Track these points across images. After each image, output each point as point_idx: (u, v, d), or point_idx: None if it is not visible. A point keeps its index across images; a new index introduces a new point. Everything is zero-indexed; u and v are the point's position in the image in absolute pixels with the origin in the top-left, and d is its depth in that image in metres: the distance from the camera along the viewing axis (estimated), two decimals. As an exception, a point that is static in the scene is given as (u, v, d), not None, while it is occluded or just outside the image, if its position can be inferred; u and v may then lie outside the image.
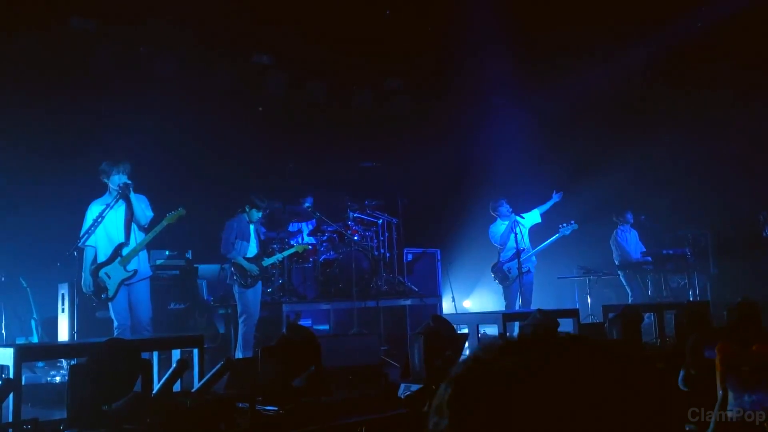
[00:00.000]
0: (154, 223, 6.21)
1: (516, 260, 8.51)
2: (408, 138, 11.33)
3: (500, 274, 8.82)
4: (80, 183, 6.89)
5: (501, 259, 8.82)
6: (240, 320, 7.18)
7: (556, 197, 8.95)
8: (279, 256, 7.79)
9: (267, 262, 7.51)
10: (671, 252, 9.61)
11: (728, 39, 9.62)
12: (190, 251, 8.30)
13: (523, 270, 8.49)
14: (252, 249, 7.43)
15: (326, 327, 8.67)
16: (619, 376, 0.79)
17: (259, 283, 7.39)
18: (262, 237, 7.91)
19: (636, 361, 0.81)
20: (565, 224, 8.86)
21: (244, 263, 7.23)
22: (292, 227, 8.95)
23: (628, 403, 0.77)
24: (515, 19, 9.58)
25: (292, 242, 8.50)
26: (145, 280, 6.17)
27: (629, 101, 11.10)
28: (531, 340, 0.81)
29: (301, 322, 7.87)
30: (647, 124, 10.82)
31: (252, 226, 7.50)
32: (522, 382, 0.76)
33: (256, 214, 7.44)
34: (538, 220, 8.95)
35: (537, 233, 9.07)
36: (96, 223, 6.00)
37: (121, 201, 6.10)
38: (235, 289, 7.27)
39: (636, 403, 0.77)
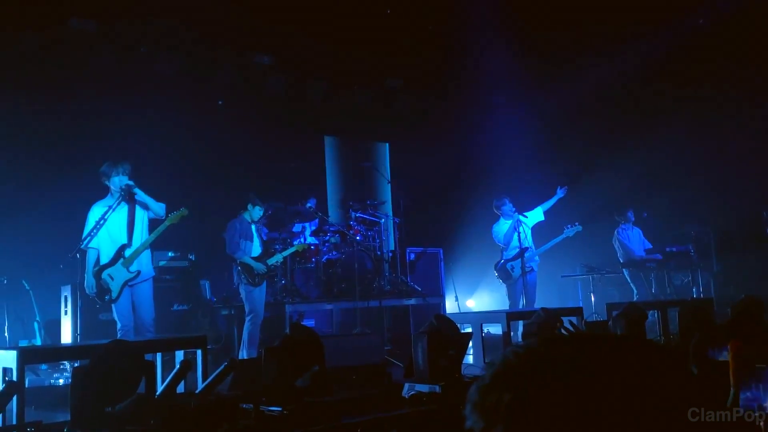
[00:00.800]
0: (156, 224, 6.21)
1: (519, 259, 8.52)
2: (410, 137, 11.33)
3: (503, 272, 8.82)
4: (82, 185, 6.88)
5: (504, 258, 8.83)
6: (247, 319, 7.19)
7: (560, 192, 8.95)
8: (280, 256, 7.79)
9: (270, 261, 7.53)
10: (674, 249, 9.58)
11: (730, 36, 9.59)
12: (193, 252, 8.30)
13: (527, 269, 8.48)
14: (256, 248, 7.46)
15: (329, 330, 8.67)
16: (679, 374, 0.75)
17: (265, 282, 7.42)
18: (264, 237, 7.92)
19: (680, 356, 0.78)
20: (569, 225, 8.86)
21: (252, 262, 7.27)
22: (296, 227, 8.94)
23: (686, 400, 0.73)
24: (516, 18, 9.56)
25: (294, 242, 8.49)
26: (148, 281, 6.17)
27: (631, 99, 11.08)
28: (591, 338, 0.76)
29: (305, 323, 7.88)
30: (650, 122, 10.80)
31: (254, 226, 7.51)
32: (581, 381, 0.71)
33: (258, 212, 7.47)
34: (542, 218, 8.94)
35: (541, 233, 9.06)
36: (98, 225, 6.00)
37: (123, 203, 6.10)
38: (242, 288, 7.29)
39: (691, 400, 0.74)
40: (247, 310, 7.26)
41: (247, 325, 7.19)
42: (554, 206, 9.05)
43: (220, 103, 10.02)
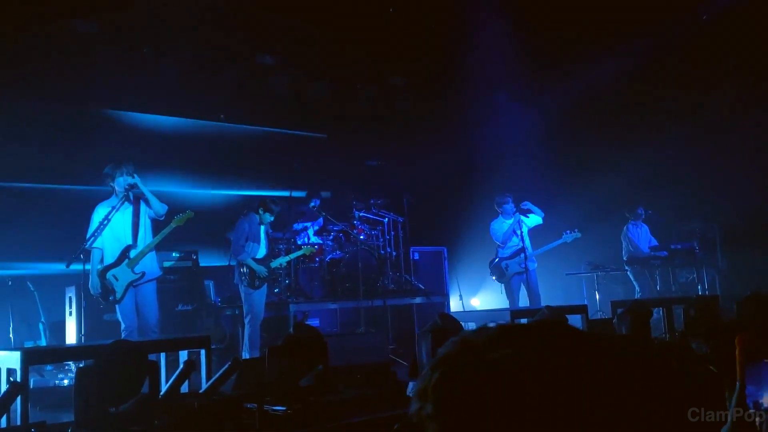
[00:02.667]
0: (162, 225, 6.21)
1: (514, 258, 8.59)
2: (413, 136, 11.31)
3: (497, 270, 8.84)
4: (86, 185, 6.90)
5: (500, 256, 8.83)
6: (246, 321, 7.19)
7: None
8: (285, 259, 7.76)
9: (275, 263, 7.50)
10: (679, 246, 9.56)
11: (734, 33, 9.55)
12: (197, 253, 8.30)
13: (521, 269, 8.49)
14: (262, 250, 7.42)
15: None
16: (610, 368, 0.75)
17: (265, 284, 7.40)
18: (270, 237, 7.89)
19: (632, 353, 0.78)
20: (569, 231, 8.85)
21: (254, 265, 7.22)
22: (297, 226, 8.94)
23: (617, 395, 0.74)
24: (519, 17, 9.54)
25: (297, 242, 8.47)
26: (153, 282, 6.16)
27: (635, 96, 11.03)
28: (523, 328, 0.78)
29: (309, 322, 7.87)
30: (654, 119, 10.76)
31: (263, 227, 7.47)
32: (512, 373, 0.73)
33: (269, 218, 7.43)
34: (540, 222, 8.93)
35: (540, 235, 9.04)
36: (102, 225, 6.00)
37: (127, 203, 6.10)
38: (242, 289, 7.27)
39: (626, 394, 0.74)
40: (245, 311, 7.23)
41: (246, 327, 7.16)
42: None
43: (221, 117, 10.04)
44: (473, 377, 0.74)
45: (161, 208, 6.15)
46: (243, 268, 7.23)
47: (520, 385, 0.72)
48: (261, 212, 7.37)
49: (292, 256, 7.89)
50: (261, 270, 7.23)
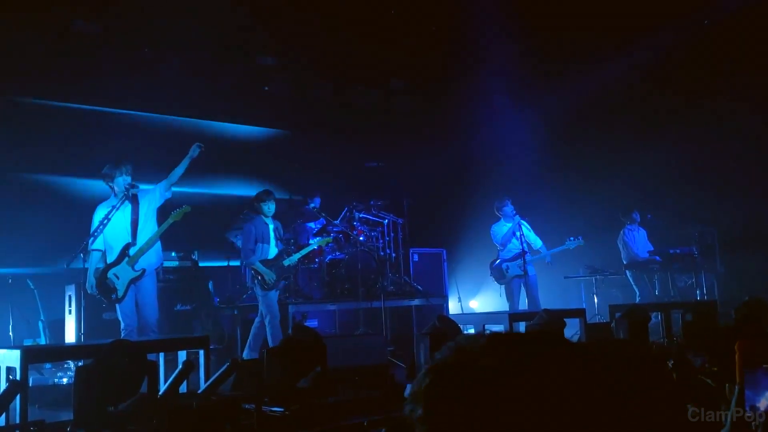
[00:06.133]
0: (160, 221, 6.24)
1: (514, 261, 8.64)
2: (413, 138, 11.33)
3: (497, 272, 8.88)
4: (86, 184, 6.92)
5: (501, 258, 8.87)
6: (266, 321, 7.02)
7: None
8: (298, 255, 7.58)
9: (287, 261, 7.33)
10: (678, 251, 9.57)
11: (734, 38, 9.57)
12: (196, 252, 8.31)
13: (520, 272, 8.51)
14: (272, 250, 7.28)
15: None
16: (600, 378, 0.77)
17: (282, 283, 7.29)
18: (281, 236, 7.66)
19: (622, 361, 0.81)
20: (572, 238, 8.87)
21: (262, 269, 7.07)
22: (309, 225, 8.89)
23: (607, 404, 0.75)
24: (520, 19, 9.56)
25: (301, 242, 8.45)
26: (152, 277, 6.17)
27: (635, 101, 11.06)
28: (516, 338, 0.80)
29: (308, 323, 7.86)
30: (654, 123, 10.77)
31: (271, 226, 7.33)
32: (502, 382, 0.75)
33: (272, 207, 7.24)
34: (539, 243, 8.95)
35: (542, 236, 9.06)
36: (102, 225, 6.03)
37: (126, 202, 6.13)
38: (257, 291, 7.16)
39: (616, 403, 0.76)
40: (264, 312, 7.08)
41: (267, 328, 6.97)
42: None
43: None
44: (463, 383, 0.76)
45: (169, 191, 6.28)
46: (253, 271, 7.12)
47: (507, 392, 0.74)
48: (260, 207, 7.24)
49: (308, 249, 7.76)
50: (269, 275, 7.09)
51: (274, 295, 7.15)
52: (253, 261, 7.11)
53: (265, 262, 7.15)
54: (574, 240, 8.86)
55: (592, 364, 0.78)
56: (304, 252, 7.74)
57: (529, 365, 0.76)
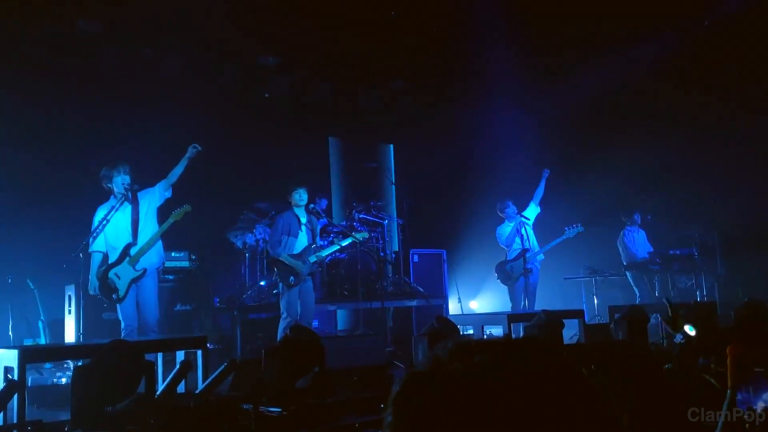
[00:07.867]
0: (160, 220, 6.25)
1: (519, 260, 8.59)
2: (413, 139, 11.33)
3: (502, 273, 8.87)
4: (86, 184, 6.92)
5: (507, 259, 8.87)
6: (281, 318, 6.90)
7: (545, 173, 9.03)
8: (328, 251, 7.46)
9: (312, 257, 7.07)
10: (678, 252, 9.56)
11: (733, 38, 9.56)
12: (195, 252, 8.31)
13: (528, 268, 8.50)
14: (300, 243, 7.04)
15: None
16: (571, 382, 0.77)
17: (309, 281, 7.03)
18: (318, 228, 7.49)
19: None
20: (571, 226, 8.85)
21: (289, 260, 6.86)
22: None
23: (573, 410, 0.75)
24: (520, 20, 9.55)
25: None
26: (153, 276, 6.17)
27: (634, 100, 11.05)
28: (482, 345, 0.80)
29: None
30: (653, 124, 10.76)
31: (304, 219, 7.13)
32: (466, 389, 0.75)
33: (304, 196, 7.03)
34: (539, 210, 8.96)
35: (543, 234, 9.05)
36: (101, 225, 6.04)
37: (126, 203, 6.14)
38: (280, 287, 7.04)
39: (583, 409, 0.75)
40: (281, 310, 6.95)
41: (279, 327, 6.87)
42: (547, 193, 9.07)
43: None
44: (430, 390, 0.76)
45: (168, 190, 6.29)
46: (277, 265, 6.97)
47: (471, 399, 0.74)
48: (290, 198, 7.02)
49: (338, 246, 7.56)
50: (297, 265, 6.85)
51: (295, 293, 6.92)
52: (279, 252, 6.92)
53: (292, 256, 6.96)
54: (573, 228, 8.80)
55: (563, 368, 0.78)
56: (332, 249, 7.57)
57: (495, 371, 0.76)
